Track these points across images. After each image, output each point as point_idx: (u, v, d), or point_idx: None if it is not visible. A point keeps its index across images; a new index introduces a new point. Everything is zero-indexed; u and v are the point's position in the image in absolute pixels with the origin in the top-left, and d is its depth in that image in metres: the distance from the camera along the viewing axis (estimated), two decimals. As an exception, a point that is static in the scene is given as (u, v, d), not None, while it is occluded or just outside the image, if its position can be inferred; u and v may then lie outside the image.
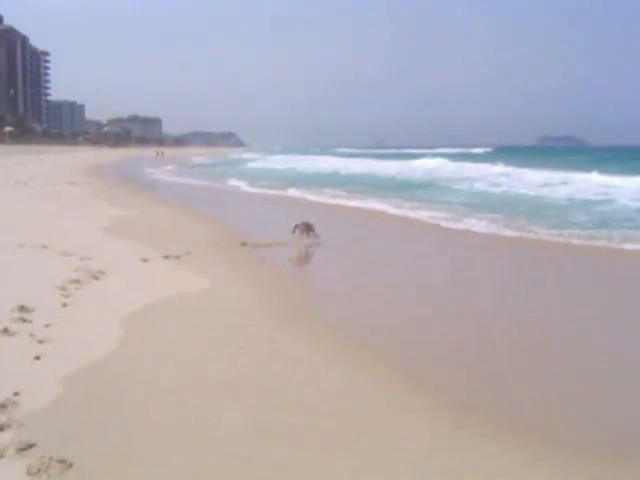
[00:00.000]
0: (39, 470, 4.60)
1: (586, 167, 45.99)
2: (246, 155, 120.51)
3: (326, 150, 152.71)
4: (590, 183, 32.17)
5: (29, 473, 4.58)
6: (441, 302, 10.57)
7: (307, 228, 15.68)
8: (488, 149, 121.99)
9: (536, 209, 22.91)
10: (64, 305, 9.02)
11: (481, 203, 25.36)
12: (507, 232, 17.45)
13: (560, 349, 8.31)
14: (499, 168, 49.42)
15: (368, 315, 9.74)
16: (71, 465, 4.72)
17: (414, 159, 70.08)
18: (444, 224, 19.37)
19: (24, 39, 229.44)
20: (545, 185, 32.78)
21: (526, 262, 14.26)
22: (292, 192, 32.22)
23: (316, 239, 15.65)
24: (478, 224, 18.93)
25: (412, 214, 22.04)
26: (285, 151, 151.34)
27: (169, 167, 67.33)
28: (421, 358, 7.78)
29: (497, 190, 31.29)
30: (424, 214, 21.79)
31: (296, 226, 15.50)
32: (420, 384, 6.83)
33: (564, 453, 5.38)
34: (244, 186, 37.06)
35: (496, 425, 5.85)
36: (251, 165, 72.65)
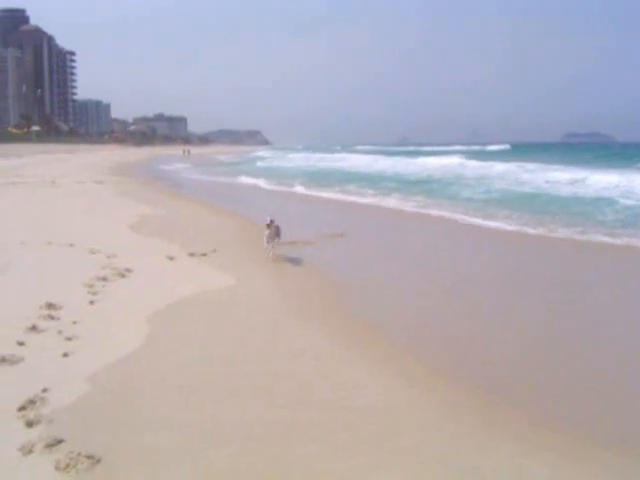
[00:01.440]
0: (67, 465, 4.65)
1: (611, 164, 45.68)
2: (267, 153, 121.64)
3: (346, 148, 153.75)
4: (614, 180, 31.72)
5: (57, 468, 4.63)
6: (469, 297, 10.52)
7: (276, 231, 13.23)
8: (507, 146, 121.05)
9: (556, 207, 22.70)
10: (91, 302, 9.10)
11: (491, 201, 25.13)
12: (530, 230, 17.31)
13: (594, 345, 8.25)
14: (513, 166, 49.09)
15: (394, 311, 9.74)
16: (99, 460, 4.76)
17: (431, 157, 70.04)
18: (459, 221, 19.30)
19: (50, 39, 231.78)
20: (570, 183, 32.42)
21: (551, 260, 14.14)
22: (301, 189, 33.15)
23: (278, 246, 13.33)
24: (495, 223, 18.82)
25: (422, 211, 22.06)
26: (307, 149, 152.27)
27: (195, 165, 67.74)
28: (449, 354, 7.75)
29: (516, 189, 30.96)
30: (429, 212, 21.90)
31: (271, 222, 12.99)
32: (448, 380, 6.80)
33: (592, 450, 5.34)
34: (262, 184, 37.37)
35: (524, 423, 5.82)
36: (271, 163, 73.20)
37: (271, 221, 12.91)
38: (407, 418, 5.81)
